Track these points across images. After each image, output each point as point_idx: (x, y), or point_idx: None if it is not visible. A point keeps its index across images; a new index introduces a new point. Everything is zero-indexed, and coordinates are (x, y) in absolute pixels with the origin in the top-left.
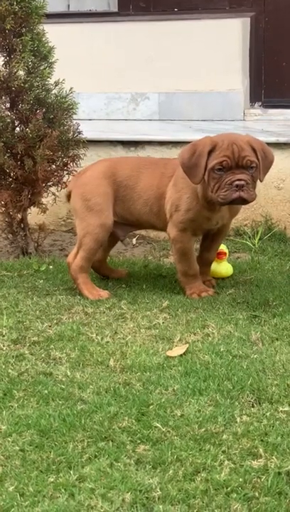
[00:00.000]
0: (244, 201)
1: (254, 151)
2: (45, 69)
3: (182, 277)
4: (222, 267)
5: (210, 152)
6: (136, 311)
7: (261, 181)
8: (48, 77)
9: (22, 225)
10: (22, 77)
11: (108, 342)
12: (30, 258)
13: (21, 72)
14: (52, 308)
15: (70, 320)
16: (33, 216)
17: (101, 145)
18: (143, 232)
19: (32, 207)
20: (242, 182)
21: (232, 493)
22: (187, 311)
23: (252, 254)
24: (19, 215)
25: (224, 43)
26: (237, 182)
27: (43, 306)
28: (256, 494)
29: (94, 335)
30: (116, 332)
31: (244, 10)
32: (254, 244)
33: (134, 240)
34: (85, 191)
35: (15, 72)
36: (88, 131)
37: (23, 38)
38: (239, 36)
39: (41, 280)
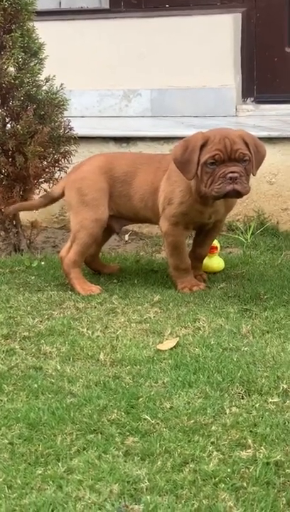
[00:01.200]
0: (239, 194)
1: (247, 144)
2: (35, 65)
3: (173, 271)
4: (214, 262)
5: (202, 147)
6: (127, 306)
7: (253, 175)
8: (39, 74)
9: (14, 222)
10: (12, 74)
11: (98, 336)
12: (22, 255)
13: (11, 69)
14: (43, 303)
15: (61, 315)
16: (26, 213)
17: (93, 141)
18: (135, 228)
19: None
20: (236, 174)
21: (220, 484)
22: (178, 305)
23: (244, 249)
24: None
25: (215, 38)
26: (230, 174)
27: (34, 301)
28: (244, 484)
29: (85, 329)
30: (106, 326)
31: (236, 5)
32: (246, 239)
33: (127, 236)
34: (82, 186)
35: (6, 69)
36: (80, 127)
37: (12, 34)
38: (230, 32)
39: (33, 276)
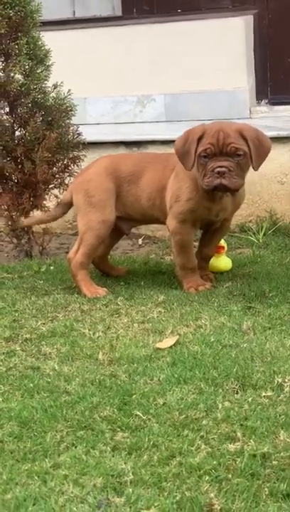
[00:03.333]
0: (227, 188)
1: (245, 139)
2: (41, 72)
3: (180, 271)
4: (221, 261)
5: (199, 139)
6: (132, 307)
7: (255, 170)
8: (45, 80)
9: (26, 229)
10: (20, 81)
11: (99, 337)
12: (31, 259)
13: (18, 76)
14: (48, 306)
15: (65, 317)
16: None
17: (103, 146)
18: (149, 232)
19: (35, 210)
20: (223, 169)
21: (204, 476)
22: (182, 305)
23: (254, 249)
24: (22, 219)
25: (228, 41)
26: (218, 169)
27: (40, 305)
28: (229, 476)
29: (87, 330)
30: (108, 327)
31: (247, 8)
32: (258, 240)
33: (140, 240)
34: (89, 188)
35: (13, 76)
36: (95, 134)
37: (18, 41)
38: (242, 34)
39: (41, 281)
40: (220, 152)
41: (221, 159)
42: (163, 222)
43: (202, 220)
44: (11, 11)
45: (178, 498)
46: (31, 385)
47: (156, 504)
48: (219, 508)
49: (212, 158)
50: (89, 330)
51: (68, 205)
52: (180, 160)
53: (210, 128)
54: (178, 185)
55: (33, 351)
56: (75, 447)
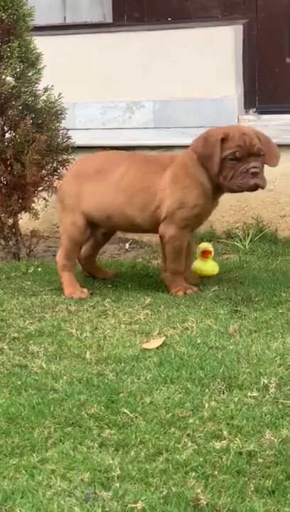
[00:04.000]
0: (258, 187)
1: (260, 140)
2: (32, 75)
3: (170, 276)
4: (208, 266)
5: (222, 142)
6: (119, 308)
7: (275, 166)
8: (36, 83)
9: (14, 231)
10: (11, 84)
11: (87, 337)
12: (19, 261)
13: (9, 79)
14: (36, 307)
15: (53, 318)
16: (27, 222)
17: (92, 151)
18: (136, 236)
19: (23, 212)
20: (257, 169)
21: (190, 472)
22: (169, 307)
23: (240, 255)
24: (10, 220)
25: (217, 50)
26: (252, 170)
27: (27, 305)
28: (215, 473)
29: (74, 330)
30: (96, 328)
31: (237, 17)
32: (244, 246)
33: (127, 245)
34: (60, 193)
35: (4, 79)
36: (83, 138)
37: (10, 44)
38: (231, 43)
39: (28, 282)
40: (248, 154)
41: (251, 160)
42: (134, 226)
43: (200, 223)
44: (3, 14)
45: (164, 493)
46: (19, 382)
47: (142, 498)
48: (205, 503)
49: (241, 160)
50: (76, 330)
51: None
52: (205, 163)
53: (231, 131)
54: (182, 193)
55: (21, 350)
56: (63, 443)
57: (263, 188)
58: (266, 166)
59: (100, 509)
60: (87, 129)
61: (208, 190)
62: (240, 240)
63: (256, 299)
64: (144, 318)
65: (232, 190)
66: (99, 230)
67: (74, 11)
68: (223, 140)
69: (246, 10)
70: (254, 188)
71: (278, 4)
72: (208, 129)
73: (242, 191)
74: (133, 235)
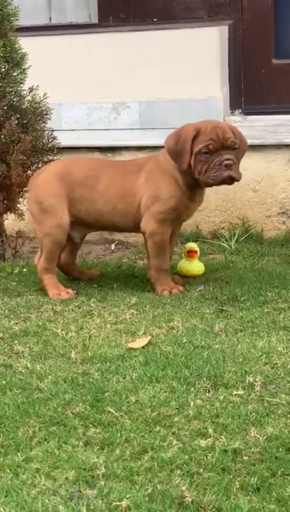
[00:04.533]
0: (232, 180)
1: (234, 134)
2: (17, 75)
3: (154, 273)
4: (194, 266)
5: (194, 138)
6: (104, 308)
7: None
8: (21, 83)
9: None
10: None
11: (72, 336)
12: (4, 262)
13: None
14: (21, 307)
15: (38, 318)
16: (13, 223)
17: (79, 151)
18: (122, 237)
19: (9, 213)
20: (230, 161)
21: (176, 470)
22: (154, 307)
23: (226, 255)
24: None
25: (202, 51)
26: (225, 162)
27: (12, 305)
28: (201, 470)
29: (60, 330)
30: (81, 327)
31: (222, 18)
32: (230, 246)
33: (113, 246)
34: (39, 193)
35: None
36: (68, 139)
37: None
38: (217, 44)
39: (14, 282)
40: (221, 146)
41: (224, 153)
42: (120, 229)
43: (178, 219)
44: None
45: (149, 490)
46: (3, 382)
47: (127, 496)
48: (190, 500)
49: (215, 153)
50: (61, 330)
51: None
52: (174, 159)
53: (204, 126)
54: (155, 187)
55: (6, 350)
56: (47, 442)
57: (237, 180)
58: (251, 164)
59: (85, 507)
60: (72, 130)
61: (183, 184)
62: (226, 240)
63: (242, 298)
64: (130, 318)
65: (207, 184)
66: (75, 232)
67: (60, 11)
68: (195, 136)
69: (231, 11)
70: (229, 180)
71: (264, 5)
72: (182, 126)
73: (217, 184)
74: (120, 235)
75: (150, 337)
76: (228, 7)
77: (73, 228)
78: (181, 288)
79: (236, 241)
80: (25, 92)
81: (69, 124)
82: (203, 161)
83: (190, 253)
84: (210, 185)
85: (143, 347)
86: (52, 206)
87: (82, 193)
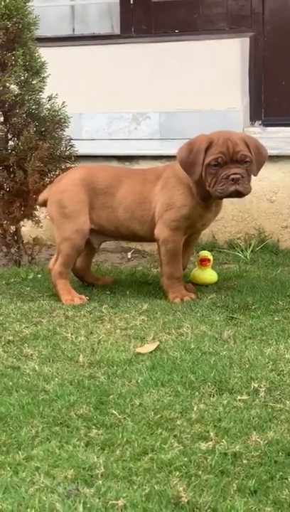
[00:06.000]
0: (240, 194)
1: (248, 146)
2: (37, 83)
3: (167, 280)
4: (206, 274)
5: (207, 149)
6: (115, 314)
7: (254, 175)
8: (40, 91)
9: (16, 238)
10: (15, 91)
11: (81, 341)
12: (19, 268)
13: (14, 87)
14: (33, 312)
15: (49, 322)
16: (31, 230)
17: (96, 159)
18: (138, 246)
19: (26, 219)
20: (238, 176)
21: (174, 471)
22: (165, 314)
23: (240, 264)
24: (12, 228)
25: (223, 62)
26: (232, 176)
27: (25, 310)
28: (199, 472)
29: (69, 334)
30: (91, 332)
31: (244, 30)
32: (245, 256)
33: (129, 254)
34: (63, 198)
35: (8, 87)
36: (88, 148)
37: (14, 52)
38: (238, 56)
39: (28, 287)
40: (231, 160)
41: (233, 166)
42: (139, 237)
43: (192, 227)
44: (8, 22)
45: (147, 491)
46: (10, 383)
47: (124, 495)
48: (186, 500)
49: (223, 166)
50: (71, 334)
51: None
52: (186, 170)
53: (216, 137)
54: (169, 194)
55: (15, 352)
56: (49, 442)
57: (245, 194)
58: (268, 175)
59: (81, 505)
60: (93, 140)
61: (196, 193)
62: (242, 251)
63: (253, 306)
64: (140, 324)
65: (216, 197)
66: (95, 238)
67: (83, 22)
68: (208, 147)
69: (253, 23)
70: (235, 194)
71: (285, 18)
72: (195, 137)
73: (225, 197)
74: (136, 244)
75: (158, 342)
76: (249, 19)
77: (93, 235)
78: (193, 296)
79: (251, 251)
80: (44, 100)
81: (89, 133)
82: (213, 173)
83: (203, 261)
84: (219, 198)
85: (151, 352)
86: (75, 211)
87: (104, 200)
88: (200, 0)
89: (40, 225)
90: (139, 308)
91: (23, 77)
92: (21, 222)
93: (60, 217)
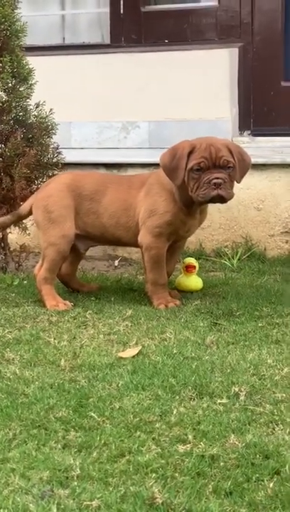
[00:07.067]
0: (222, 199)
1: (231, 152)
2: (24, 90)
3: (151, 287)
4: (192, 281)
5: (189, 154)
6: (99, 320)
7: (238, 182)
8: (27, 98)
9: (2, 244)
10: (2, 98)
11: (64, 345)
12: (5, 274)
13: (1, 93)
14: (17, 317)
15: (33, 327)
16: (18, 237)
17: (84, 167)
18: (125, 253)
19: (13, 226)
20: (220, 180)
21: (150, 473)
22: (149, 320)
23: (227, 272)
24: None
25: (212, 72)
26: (214, 180)
27: (9, 315)
28: (176, 474)
29: (52, 339)
30: (74, 337)
31: (233, 40)
32: (232, 264)
33: (116, 262)
34: (49, 203)
35: None
36: (78, 157)
37: (2, 59)
38: (227, 66)
39: (13, 293)
40: (213, 165)
41: (215, 171)
42: (124, 242)
43: (176, 234)
44: None
45: (122, 492)
46: None
47: (98, 496)
48: (161, 501)
49: (206, 171)
50: (54, 339)
51: (23, 217)
52: (169, 175)
53: (199, 143)
54: (152, 201)
55: None
56: (26, 444)
57: (227, 199)
58: (255, 183)
59: (55, 506)
60: (82, 148)
61: (179, 200)
62: (229, 259)
63: (237, 313)
64: (123, 329)
65: (198, 202)
66: (81, 244)
67: (74, 32)
68: (190, 152)
69: (242, 33)
70: (217, 199)
71: (274, 28)
72: (178, 142)
73: (207, 202)
74: (123, 252)
75: (140, 347)
76: (239, 30)
77: (79, 240)
78: (178, 302)
79: (238, 259)
80: (31, 107)
81: (78, 142)
82: (195, 178)
83: (189, 268)
84: (201, 204)
85: (133, 356)
86: (61, 216)
87: (90, 206)
88: (189, 10)
89: (28, 232)
90: (123, 314)
91: (10, 84)
92: (8, 229)
93: (46, 222)
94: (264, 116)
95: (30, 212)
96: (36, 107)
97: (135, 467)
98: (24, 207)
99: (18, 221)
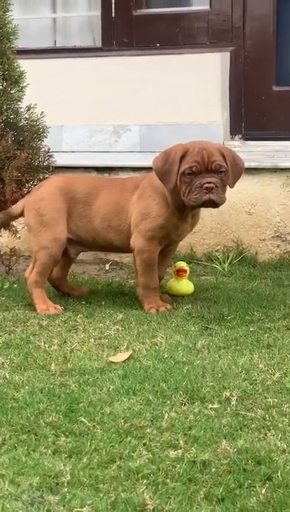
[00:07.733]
0: (214, 203)
1: (224, 157)
2: (15, 93)
3: (142, 290)
4: (183, 285)
5: (182, 158)
6: (90, 324)
7: (231, 187)
8: (18, 101)
9: None
10: None
11: (54, 349)
12: None
13: None
14: (8, 321)
15: (23, 331)
16: (8, 241)
17: (75, 171)
18: (116, 258)
19: (3, 230)
20: (211, 185)
21: (141, 479)
22: (140, 324)
23: (218, 276)
24: None
25: (204, 76)
26: (206, 185)
27: None
28: (167, 480)
29: (42, 343)
30: (65, 341)
31: (224, 45)
32: (223, 269)
33: (107, 266)
34: (40, 207)
35: None
36: (68, 160)
37: None
38: (218, 70)
39: (3, 297)
40: (205, 169)
41: (207, 176)
42: (115, 246)
43: (168, 238)
44: None
45: (113, 498)
46: None
47: (89, 503)
48: (152, 508)
49: (198, 175)
50: (44, 343)
51: (14, 217)
52: (161, 179)
53: (192, 147)
54: (145, 204)
55: None
56: (16, 449)
57: (219, 204)
58: (246, 188)
59: None
60: (73, 152)
61: (172, 204)
62: (220, 263)
63: (229, 317)
64: (114, 334)
65: (190, 206)
66: (72, 248)
67: (65, 35)
68: (183, 156)
69: (233, 37)
70: (209, 203)
71: (265, 33)
72: (171, 146)
73: (199, 207)
74: (114, 256)
75: (131, 351)
76: (230, 34)
77: (70, 244)
78: (169, 306)
79: (229, 263)
80: (22, 110)
81: (70, 145)
82: (187, 182)
83: (180, 272)
84: (193, 208)
85: (123, 361)
86: (53, 219)
87: (82, 209)
88: (181, 14)
89: (18, 235)
90: (114, 318)
91: (1, 87)
92: None
93: (38, 225)
94: (255, 121)
95: (21, 214)
96: (27, 110)
97: (126, 473)
98: (16, 207)
99: (9, 221)
